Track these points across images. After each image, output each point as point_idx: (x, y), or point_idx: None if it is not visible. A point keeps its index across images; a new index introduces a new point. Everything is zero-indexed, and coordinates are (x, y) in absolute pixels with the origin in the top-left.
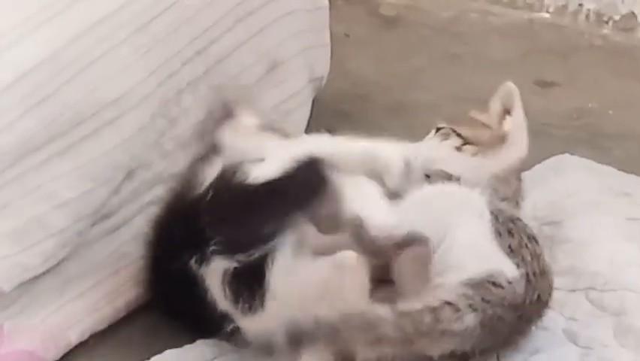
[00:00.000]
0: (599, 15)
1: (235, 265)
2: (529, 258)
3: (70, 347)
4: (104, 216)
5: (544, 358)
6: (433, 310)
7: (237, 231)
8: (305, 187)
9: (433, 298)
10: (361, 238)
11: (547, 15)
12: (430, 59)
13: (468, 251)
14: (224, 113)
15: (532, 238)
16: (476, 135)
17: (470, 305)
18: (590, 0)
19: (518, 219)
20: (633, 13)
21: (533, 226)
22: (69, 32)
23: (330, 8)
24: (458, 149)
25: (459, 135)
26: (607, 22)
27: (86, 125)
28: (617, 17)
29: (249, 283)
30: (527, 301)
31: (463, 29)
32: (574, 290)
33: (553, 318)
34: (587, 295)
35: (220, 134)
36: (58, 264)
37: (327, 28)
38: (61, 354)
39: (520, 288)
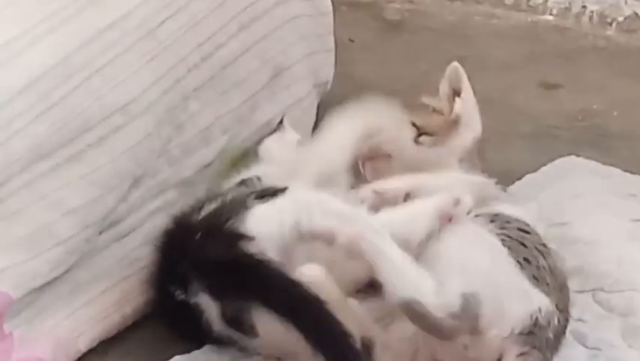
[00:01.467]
0: (602, 17)
1: (221, 307)
2: (549, 279)
3: (80, 354)
4: (111, 224)
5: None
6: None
7: (222, 280)
8: None
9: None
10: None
11: (550, 17)
12: (435, 63)
13: (507, 297)
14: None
15: (545, 252)
16: (429, 123)
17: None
18: (593, 2)
19: (526, 232)
20: (637, 14)
21: (540, 227)
22: (77, 39)
23: (335, 13)
24: (416, 141)
25: (414, 125)
26: (610, 24)
27: (94, 132)
28: (620, 19)
29: (237, 318)
30: (561, 335)
31: (467, 32)
32: (581, 291)
33: None
34: (595, 297)
35: (264, 143)
36: (66, 271)
37: (331, 34)
38: None
39: (554, 320)
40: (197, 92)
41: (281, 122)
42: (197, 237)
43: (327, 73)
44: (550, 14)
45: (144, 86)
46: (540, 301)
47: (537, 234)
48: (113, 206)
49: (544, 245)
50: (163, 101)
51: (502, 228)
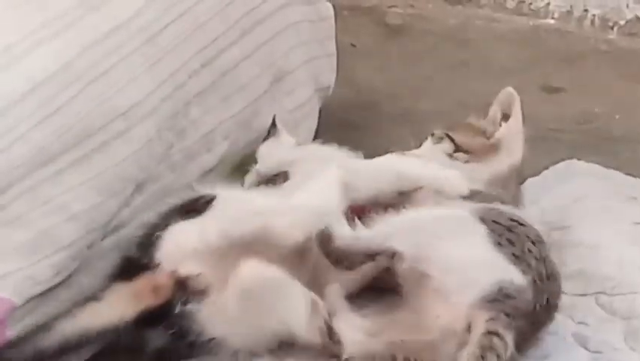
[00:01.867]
0: (604, 20)
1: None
2: (534, 262)
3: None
4: (114, 229)
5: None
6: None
7: None
8: None
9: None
10: (327, 247)
11: (552, 21)
12: (437, 67)
13: (472, 268)
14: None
15: (537, 241)
16: (469, 142)
17: (502, 325)
18: (595, 5)
19: (520, 223)
20: (638, 17)
21: (542, 230)
22: (81, 42)
23: (336, 18)
24: (450, 155)
25: (452, 140)
26: (612, 28)
27: (96, 137)
28: (622, 22)
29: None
30: (537, 307)
31: (469, 37)
32: (583, 295)
33: (563, 323)
34: (597, 300)
35: (260, 149)
36: (69, 276)
37: (333, 39)
38: None
39: (528, 295)
40: (198, 98)
41: (274, 124)
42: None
43: (329, 78)
44: (552, 18)
45: (146, 92)
46: (512, 275)
47: (535, 229)
48: (115, 211)
49: (539, 237)
50: (164, 106)
51: (490, 215)
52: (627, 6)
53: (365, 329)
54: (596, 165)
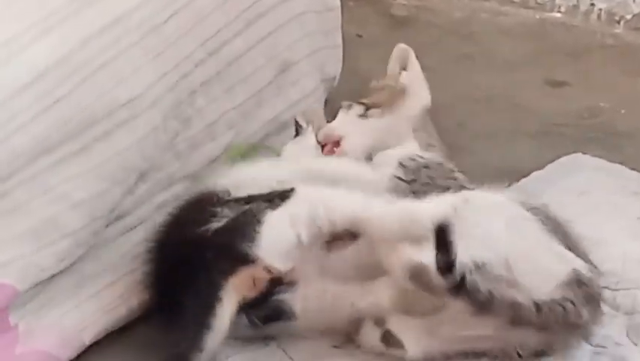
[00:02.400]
0: (610, 14)
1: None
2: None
3: (85, 347)
4: (118, 217)
5: (559, 357)
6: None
7: None
8: None
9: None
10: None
11: (558, 15)
12: (442, 59)
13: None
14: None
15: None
16: (377, 98)
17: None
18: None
19: (545, 205)
20: None
21: None
22: (82, 34)
23: (342, 9)
24: (363, 115)
25: (361, 103)
26: (618, 22)
27: (99, 127)
28: (628, 16)
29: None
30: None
31: (474, 29)
32: None
33: None
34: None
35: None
36: (72, 264)
37: (338, 29)
38: (75, 354)
39: (597, 279)
40: (203, 87)
41: (299, 124)
42: (210, 256)
43: (335, 68)
44: (558, 12)
45: (149, 82)
46: (576, 263)
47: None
48: (119, 199)
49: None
50: (169, 95)
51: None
52: (634, 0)
53: (421, 328)
54: (601, 160)
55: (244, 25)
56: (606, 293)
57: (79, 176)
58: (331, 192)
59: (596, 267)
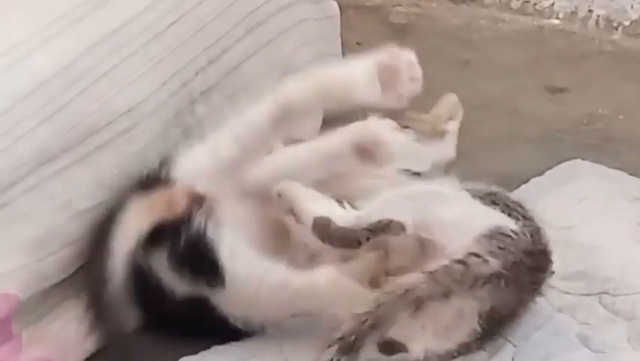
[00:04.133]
0: (608, 21)
1: None
2: (521, 217)
3: (88, 355)
4: None
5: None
6: (460, 261)
7: None
8: None
9: (455, 254)
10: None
11: (557, 21)
12: (441, 66)
13: (466, 217)
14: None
15: (519, 205)
16: (415, 125)
17: (490, 252)
18: (599, 6)
19: (494, 191)
20: None
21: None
22: (83, 42)
23: (342, 17)
24: (399, 128)
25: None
26: (617, 28)
27: (101, 135)
28: (627, 23)
29: None
30: (537, 250)
31: (473, 36)
32: (587, 295)
33: (566, 323)
34: (600, 300)
35: None
36: (75, 272)
37: (338, 37)
38: None
39: (527, 237)
40: (203, 96)
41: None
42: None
43: None
44: (557, 18)
45: (151, 90)
46: (507, 222)
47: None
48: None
49: (519, 202)
50: (170, 104)
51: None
52: (632, 7)
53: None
54: (600, 166)
55: (244, 32)
56: (606, 298)
57: (81, 185)
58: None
59: (540, 227)
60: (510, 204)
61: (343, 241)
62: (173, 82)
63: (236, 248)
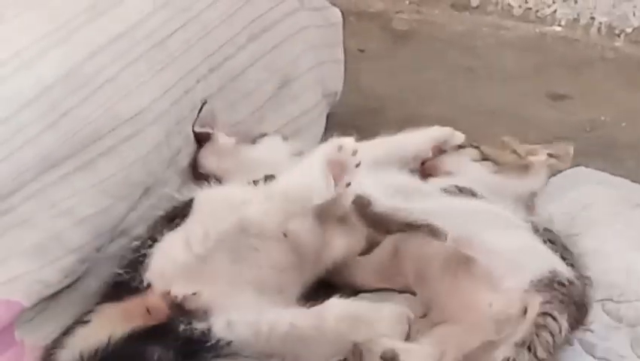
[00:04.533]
0: (610, 28)
1: None
2: (572, 264)
3: None
4: (122, 233)
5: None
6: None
7: None
8: None
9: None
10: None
11: (559, 28)
12: (443, 73)
13: (523, 251)
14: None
15: (567, 248)
16: (498, 155)
17: (551, 305)
18: (601, 13)
19: (549, 229)
20: None
21: None
22: (87, 49)
23: (344, 24)
24: (477, 160)
25: (477, 148)
26: (619, 35)
27: (104, 142)
28: (628, 30)
29: None
30: (583, 302)
31: (475, 43)
32: None
33: None
34: (604, 307)
35: (202, 159)
36: (77, 280)
37: (340, 44)
38: None
39: (579, 287)
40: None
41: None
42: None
43: (336, 83)
44: (559, 25)
45: (154, 97)
46: (561, 266)
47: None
48: (124, 215)
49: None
50: (172, 111)
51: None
52: (634, 14)
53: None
54: (603, 173)
55: (247, 39)
56: (610, 305)
57: (84, 191)
58: (224, 192)
59: (587, 277)
60: (567, 246)
61: (374, 224)
62: (176, 89)
63: (233, 319)
